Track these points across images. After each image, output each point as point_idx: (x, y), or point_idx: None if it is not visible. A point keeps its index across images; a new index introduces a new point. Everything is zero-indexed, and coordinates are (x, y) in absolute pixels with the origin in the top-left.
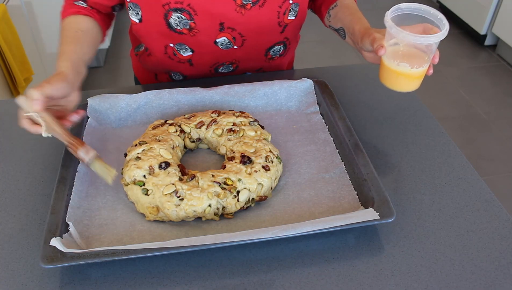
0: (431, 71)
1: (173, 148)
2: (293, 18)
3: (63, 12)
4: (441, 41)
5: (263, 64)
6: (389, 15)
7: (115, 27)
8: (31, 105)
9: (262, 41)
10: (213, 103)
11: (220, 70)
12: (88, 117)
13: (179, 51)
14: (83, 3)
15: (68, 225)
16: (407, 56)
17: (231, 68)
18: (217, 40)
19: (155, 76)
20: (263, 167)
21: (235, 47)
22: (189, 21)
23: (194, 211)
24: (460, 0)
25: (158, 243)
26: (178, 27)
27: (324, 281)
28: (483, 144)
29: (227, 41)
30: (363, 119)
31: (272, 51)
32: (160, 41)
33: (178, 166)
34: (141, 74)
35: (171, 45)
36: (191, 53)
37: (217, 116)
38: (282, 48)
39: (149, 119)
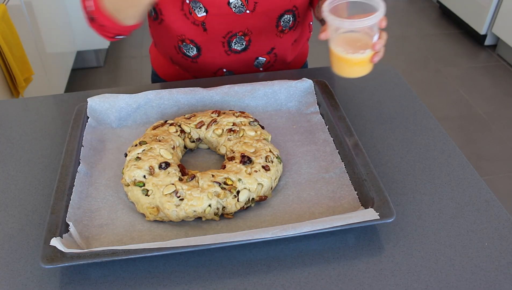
0: (376, 58)
1: (173, 148)
2: None
3: None
4: (441, 41)
5: (275, 40)
6: (327, 6)
7: None
8: None
9: (273, 6)
10: (213, 103)
11: (233, 43)
12: (88, 117)
13: (194, 9)
14: None
15: (68, 225)
16: (350, 42)
17: (244, 44)
18: (231, 1)
19: (170, 59)
20: (263, 167)
21: (248, 11)
22: None
23: (194, 211)
24: (460, 0)
25: (158, 243)
26: None
27: (324, 281)
28: (483, 144)
29: (240, 3)
30: (363, 119)
31: (283, 21)
32: None
33: (178, 166)
34: (159, 65)
35: (187, 1)
36: (205, 14)
37: (217, 116)
38: (291, 18)
39: (149, 119)
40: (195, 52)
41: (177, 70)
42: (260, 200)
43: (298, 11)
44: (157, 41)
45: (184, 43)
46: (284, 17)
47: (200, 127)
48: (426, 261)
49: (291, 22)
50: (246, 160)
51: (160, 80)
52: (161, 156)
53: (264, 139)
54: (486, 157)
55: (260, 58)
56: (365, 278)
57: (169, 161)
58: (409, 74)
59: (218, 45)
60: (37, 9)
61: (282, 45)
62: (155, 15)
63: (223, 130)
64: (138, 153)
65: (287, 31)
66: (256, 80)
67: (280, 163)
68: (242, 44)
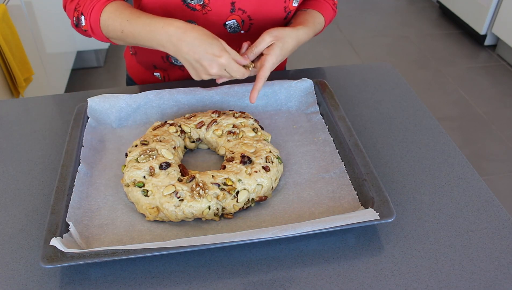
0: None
1: (174, 148)
2: (296, 5)
3: (93, 6)
4: (441, 41)
5: None
6: None
7: None
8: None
9: (268, 26)
10: (213, 103)
11: None
12: (88, 117)
13: None
14: None
15: (68, 225)
16: None
17: None
18: (227, 23)
19: (153, 66)
20: (263, 167)
21: (242, 31)
22: None
23: (194, 212)
24: (460, 0)
25: (158, 243)
26: (192, 2)
27: (324, 281)
28: (483, 144)
29: (236, 24)
30: (363, 119)
31: None
32: (170, 16)
33: (179, 166)
34: (137, 72)
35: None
36: None
37: (217, 116)
38: None
39: (149, 119)
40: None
41: (156, 79)
42: (260, 200)
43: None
44: (141, 50)
45: None
46: None
47: (200, 127)
48: (426, 261)
49: None
50: (246, 160)
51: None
52: (162, 156)
53: (264, 140)
54: (486, 157)
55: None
56: (365, 278)
57: (170, 161)
58: (409, 74)
59: None
60: (37, 9)
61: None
62: None
63: (223, 131)
64: (139, 153)
65: None
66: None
67: (281, 163)
68: None
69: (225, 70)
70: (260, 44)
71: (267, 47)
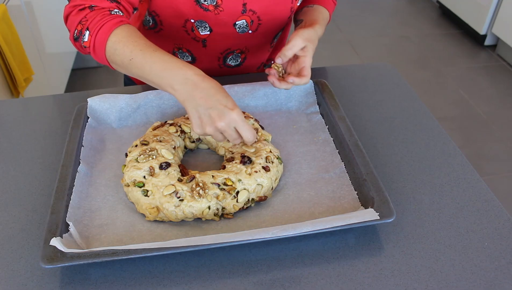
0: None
1: (174, 148)
2: (298, 4)
3: (102, 24)
4: (441, 41)
5: (266, 56)
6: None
7: None
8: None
9: (273, 26)
10: None
11: (228, 60)
12: (88, 117)
13: (198, 28)
14: (119, 11)
15: (68, 225)
16: None
17: (239, 61)
18: (237, 23)
19: None
20: (263, 167)
21: (250, 31)
22: None
23: (194, 212)
24: (460, 0)
25: (158, 243)
26: (206, 3)
27: (324, 281)
28: (483, 144)
29: (245, 24)
30: (363, 119)
31: (276, 38)
32: (181, 15)
33: (179, 166)
34: None
35: (192, 20)
36: (208, 32)
37: None
38: (280, 33)
39: (149, 119)
40: (189, 59)
41: None
42: (260, 200)
43: (286, 28)
44: None
45: (180, 51)
46: (278, 35)
47: None
48: (426, 261)
49: (279, 36)
50: (246, 160)
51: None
52: (162, 156)
53: (265, 140)
54: (486, 157)
55: (249, 73)
56: (365, 278)
57: (170, 161)
58: (409, 74)
59: (213, 60)
60: (37, 9)
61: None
62: (153, 24)
63: None
64: (139, 153)
65: (275, 45)
66: (256, 80)
67: (281, 163)
68: (237, 61)
69: (233, 128)
70: (294, 46)
71: (301, 49)
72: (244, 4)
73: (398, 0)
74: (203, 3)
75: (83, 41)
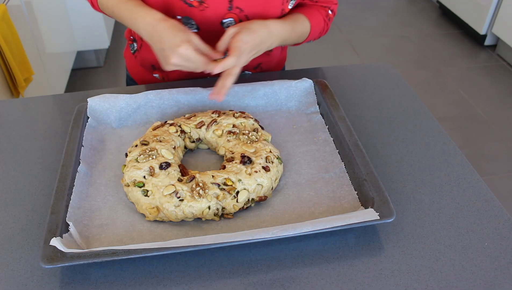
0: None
1: (174, 148)
2: (290, 7)
3: None
4: (441, 41)
5: (263, 57)
6: None
7: (115, 27)
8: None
9: None
10: (213, 103)
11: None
12: (88, 117)
13: (186, 26)
14: None
15: (68, 225)
16: None
17: None
18: (224, 21)
19: (151, 67)
20: (263, 167)
21: None
22: None
23: (194, 212)
24: (460, 0)
25: (158, 243)
26: None
27: (324, 281)
28: (483, 144)
29: (233, 23)
30: (363, 119)
31: None
32: (168, 12)
33: (179, 166)
34: (137, 72)
35: (179, 17)
36: (196, 31)
37: (217, 116)
38: None
39: (149, 119)
40: None
41: (156, 79)
42: (260, 200)
43: None
44: (141, 50)
45: None
46: None
47: (200, 127)
48: (426, 261)
49: None
50: (246, 160)
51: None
52: (162, 156)
53: (264, 140)
54: (486, 157)
55: (246, 72)
56: (365, 278)
57: (170, 161)
58: (409, 74)
59: None
60: (37, 9)
61: (268, 61)
62: None
63: (222, 131)
64: (139, 153)
65: (274, 49)
66: (256, 80)
67: (281, 163)
68: None
69: (188, 61)
70: (224, 36)
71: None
72: (231, 1)
73: (398, 0)
74: None
75: None
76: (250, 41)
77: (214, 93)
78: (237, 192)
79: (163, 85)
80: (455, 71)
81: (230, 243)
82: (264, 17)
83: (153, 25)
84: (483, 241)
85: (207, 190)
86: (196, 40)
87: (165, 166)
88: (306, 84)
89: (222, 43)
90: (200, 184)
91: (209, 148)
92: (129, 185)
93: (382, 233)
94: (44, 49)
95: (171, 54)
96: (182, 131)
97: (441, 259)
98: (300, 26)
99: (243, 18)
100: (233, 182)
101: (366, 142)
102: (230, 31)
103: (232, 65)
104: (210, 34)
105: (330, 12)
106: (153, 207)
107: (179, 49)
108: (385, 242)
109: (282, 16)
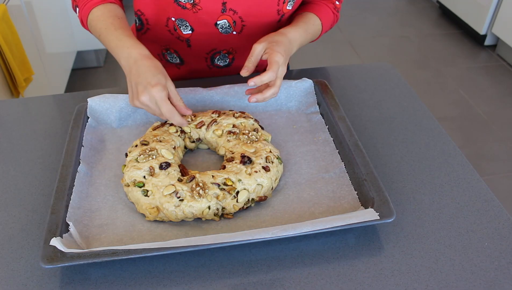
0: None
1: (174, 148)
2: (290, 8)
3: (85, 4)
4: (441, 41)
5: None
6: None
7: None
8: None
9: (260, 28)
10: (213, 103)
11: (216, 60)
12: (88, 117)
13: (180, 27)
14: None
15: (68, 225)
16: None
17: (227, 61)
18: (218, 22)
19: None
20: (263, 167)
21: (234, 32)
22: None
23: (194, 212)
24: (460, 0)
25: (158, 243)
26: (183, 0)
27: (324, 281)
28: (483, 144)
29: (227, 25)
30: (363, 119)
31: None
32: (162, 13)
33: (179, 166)
34: None
35: (173, 19)
36: (190, 32)
37: (217, 116)
38: None
39: (149, 119)
40: (178, 61)
41: None
42: (260, 200)
43: None
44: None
45: (168, 51)
46: None
47: (200, 127)
48: (426, 261)
49: None
50: (246, 160)
51: None
52: (162, 156)
53: (264, 140)
54: (486, 157)
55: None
56: (365, 278)
57: (170, 161)
58: (409, 74)
59: (201, 60)
60: (37, 9)
61: (264, 62)
62: (140, 25)
63: (223, 131)
64: (139, 153)
65: None
66: None
67: (281, 163)
68: (225, 61)
69: (156, 104)
70: (252, 55)
71: (265, 52)
72: (224, 3)
73: (398, 0)
74: (180, 1)
75: (77, 15)
76: (282, 52)
77: (254, 96)
78: (237, 192)
79: None
80: (455, 71)
81: (230, 243)
82: (259, 19)
83: (137, 59)
84: (483, 241)
85: (207, 190)
86: (172, 88)
87: (165, 166)
88: (306, 84)
89: (252, 62)
90: (200, 184)
91: (209, 148)
92: (129, 185)
93: (382, 233)
94: (44, 49)
95: (143, 91)
96: (182, 131)
97: (441, 259)
98: (311, 26)
99: (238, 20)
100: (233, 182)
101: (366, 142)
102: (257, 49)
103: (272, 79)
104: (204, 35)
105: (337, 2)
106: (153, 207)
107: (153, 89)
108: (385, 242)
109: (281, 17)
